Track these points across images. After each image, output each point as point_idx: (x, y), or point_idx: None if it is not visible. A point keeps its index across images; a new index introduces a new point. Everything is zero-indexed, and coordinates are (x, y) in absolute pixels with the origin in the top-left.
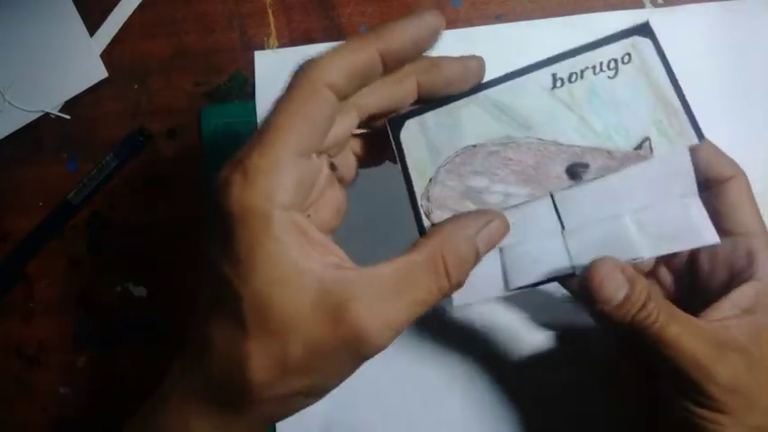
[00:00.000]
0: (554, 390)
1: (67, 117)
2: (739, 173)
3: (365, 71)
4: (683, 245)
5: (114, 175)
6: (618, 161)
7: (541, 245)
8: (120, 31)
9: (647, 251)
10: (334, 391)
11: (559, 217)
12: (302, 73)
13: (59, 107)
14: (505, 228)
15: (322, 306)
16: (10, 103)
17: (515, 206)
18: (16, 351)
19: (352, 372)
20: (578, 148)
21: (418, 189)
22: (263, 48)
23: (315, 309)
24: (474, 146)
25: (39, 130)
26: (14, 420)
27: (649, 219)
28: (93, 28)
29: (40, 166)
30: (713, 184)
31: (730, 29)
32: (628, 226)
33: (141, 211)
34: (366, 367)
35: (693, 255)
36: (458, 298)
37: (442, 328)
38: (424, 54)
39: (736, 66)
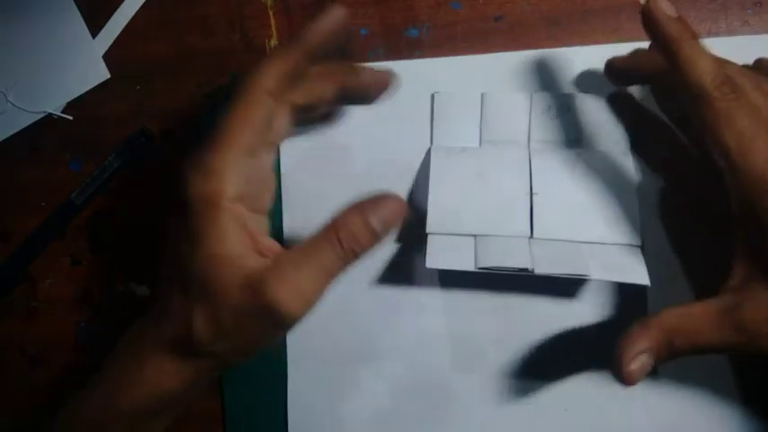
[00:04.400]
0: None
1: (70, 118)
2: None
3: (295, 72)
4: (621, 279)
5: (116, 175)
6: None
7: (511, 243)
8: (123, 32)
9: (595, 273)
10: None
11: (532, 218)
12: (244, 83)
13: (62, 108)
14: (400, 209)
15: (247, 284)
16: (12, 104)
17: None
18: (19, 351)
19: (274, 338)
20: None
21: None
22: (263, 48)
23: (242, 286)
24: None
25: (41, 131)
26: (17, 420)
27: (602, 252)
28: (95, 29)
29: (42, 166)
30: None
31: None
32: (583, 251)
33: (143, 211)
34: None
35: None
36: (430, 261)
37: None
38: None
39: None
